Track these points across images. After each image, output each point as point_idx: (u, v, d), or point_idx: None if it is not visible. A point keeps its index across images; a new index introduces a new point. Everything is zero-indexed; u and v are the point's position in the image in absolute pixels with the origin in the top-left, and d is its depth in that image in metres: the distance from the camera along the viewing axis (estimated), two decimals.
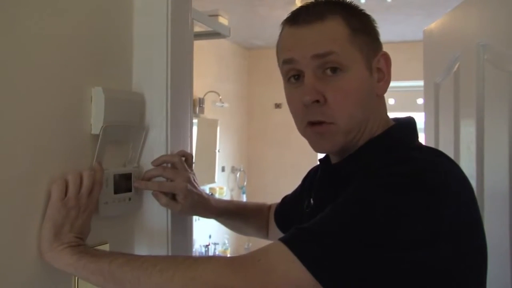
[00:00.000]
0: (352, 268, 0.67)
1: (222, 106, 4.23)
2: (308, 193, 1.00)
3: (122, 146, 1.02)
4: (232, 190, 4.76)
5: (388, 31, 4.15)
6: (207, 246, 4.04)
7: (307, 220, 0.76)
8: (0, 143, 0.76)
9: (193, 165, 1.12)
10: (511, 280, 1.39)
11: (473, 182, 1.57)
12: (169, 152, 1.06)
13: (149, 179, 1.04)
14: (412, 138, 0.88)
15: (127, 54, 1.05)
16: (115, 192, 0.98)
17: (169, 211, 1.06)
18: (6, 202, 0.78)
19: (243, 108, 5.04)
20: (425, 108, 2.17)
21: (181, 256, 1.00)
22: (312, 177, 1.07)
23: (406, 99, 4.68)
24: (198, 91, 3.98)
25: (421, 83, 2.25)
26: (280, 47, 0.88)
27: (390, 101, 4.66)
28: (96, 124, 0.93)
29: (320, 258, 0.67)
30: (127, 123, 1.00)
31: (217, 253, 4.12)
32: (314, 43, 0.81)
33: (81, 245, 0.84)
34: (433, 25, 2.12)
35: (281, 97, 0.89)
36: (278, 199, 1.23)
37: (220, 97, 4.20)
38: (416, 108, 4.29)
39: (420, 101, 4.24)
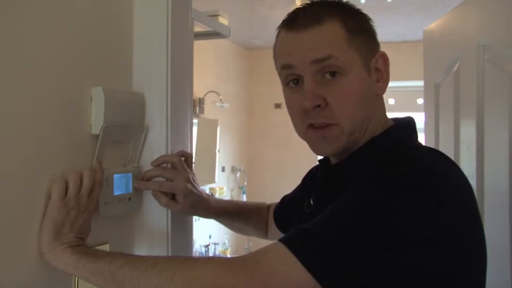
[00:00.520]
0: (352, 269, 0.67)
1: (222, 106, 4.23)
2: (307, 193, 1.00)
3: (122, 146, 1.02)
4: (232, 190, 4.76)
5: (388, 31, 4.15)
6: (207, 246, 4.04)
7: (307, 220, 0.76)
8: (0, 143, 0.76)
9: (193, 165, 1.12)
10: (511, 280, 1.39)
11: (473, 182, 1.57)
12: (169, 152, 1.06)
13: (149, 179, 1.04)
14: (411, 139, 0.88)
15: (127, 54, 1.05)
16: (115, 192, 0.98)
17: (169, 211, 1.06)
18: (6, 202, 0.78)
19: (243, 108, 5.04)
20: (425, 108, 2.17)
21: (181, 256, 1.00)
22: (311, 177, 1.07)
23: (406, 99, 4.68)
24: (198, 91, 3.98)
25: (421, 83, 2.25)
26: (278, 51, 0.88)
27: (390, 101, 4.66)
28: (96, 124, 0.93)
29: (320, 259, 0.67)
30: (127, 123, 1.00)
31: (217, 253, 4.12)
32: (313, 48, 0.81)
33: (81, 245, 0.84)
34: (433, 25, 2.12)
35: (281, 97, 0.88)
36: (278, 199, 1.23)
37: (220, 97, 4.20)
38: (416, 108, 4.29)
39: (420, 101, 4.24)
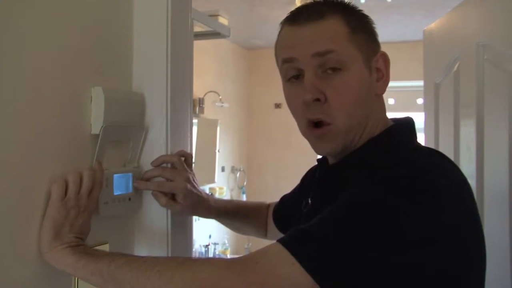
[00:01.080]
0: (352, 269, 0.67)
1: (222, 106, 4.23)
2: (306, 193, 1.00)
3: (122, 146, 1.02)
4: (232, 190, 4.76)
5: (388, 31, 4.15)
6: (207, 246, 4.04)
7: (305, 220, 0.76)
8: (0, 143, 0.76)
9: (193, 165, 1.12)
10: (511, 280, 1.39)
11: (473, 182, 1.57)
12: (169, 152, 1.06)
13: (148, 179, 1.04)
14: (411, 139, 0.88)
15: (127, 54, 1.05)
16: (115, 192, 0.98)
17: (169, 211, 1.06)
18: (6, 202, 0.78)
19: (243, 108, 5.04)
20: (425, 108, 2.17)
21: (181, 257, 1.00)
22: (310, 177, 1.07)
23: (406, 99, 4.68)
24: (198, 91, 3.98)
25: (421, 83, 2.25)
26: (280, 46, 0.88)
27: (390, 101, 4.66)
28: (96, 124, 0.93)
29: (320, 261, 0.67)
30: (127, 123, 1.00)
31: (217, 253, 4.12)
32: (314, 41, 0.81)
33: (81, 245, 0.84)
34: (433, 25, 2.12)
35: (281, 97, 0.89)
36: (278, 199, 1.23)
37: (220, 97, 4.20)
38: (416, 108, 4.30)
39: (420, 101, 4.24)
